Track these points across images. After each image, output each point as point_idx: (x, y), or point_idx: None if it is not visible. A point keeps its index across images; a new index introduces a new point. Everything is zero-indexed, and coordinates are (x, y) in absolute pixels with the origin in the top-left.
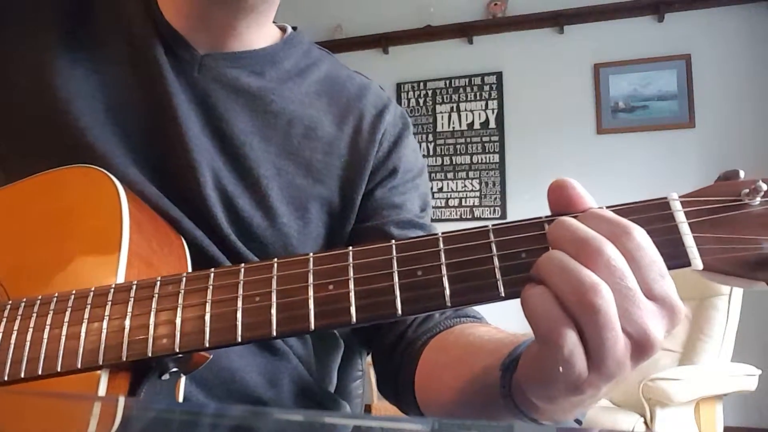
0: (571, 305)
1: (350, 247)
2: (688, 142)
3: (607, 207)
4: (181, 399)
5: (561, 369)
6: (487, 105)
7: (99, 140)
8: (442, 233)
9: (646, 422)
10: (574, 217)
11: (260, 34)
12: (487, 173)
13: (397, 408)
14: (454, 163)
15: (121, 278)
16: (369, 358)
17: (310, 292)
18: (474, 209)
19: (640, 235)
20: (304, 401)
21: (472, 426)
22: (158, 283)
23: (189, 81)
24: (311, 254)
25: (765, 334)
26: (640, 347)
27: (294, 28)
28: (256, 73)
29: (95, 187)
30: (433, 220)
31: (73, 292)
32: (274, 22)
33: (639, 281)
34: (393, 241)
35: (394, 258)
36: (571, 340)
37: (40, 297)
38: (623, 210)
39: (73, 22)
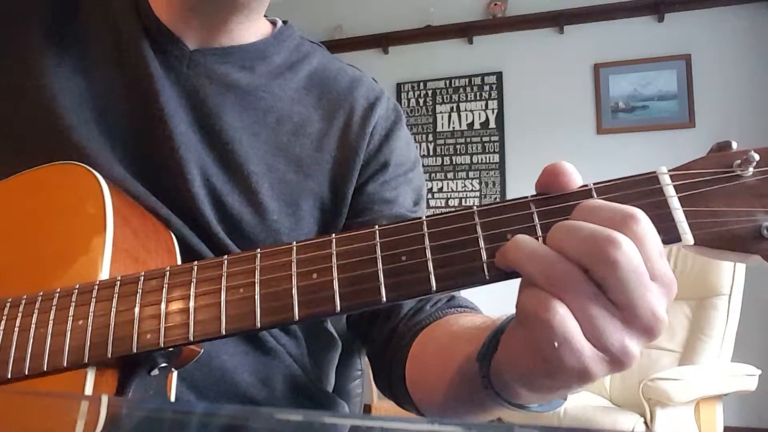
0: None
1: (333, 235)
2: (688, 142)
3: (594, 183)
4: (173, 395)
5: (556, 344)
6: (487, 105)
7: (85, 139)
8: (426, 217)
9: (646, 422)
10: (568, 216)
11: (251, 29)
12: (487, 173)
13: (395, 402)
14: (454, 163)
15: (105, 274)
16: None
17: (294, 281)
18: None
19: (645, 220)
20: (299, 400)
21: (473, 426)
22: (142, 278)
23: (178, 77)
24: (294, 243)
25: (765, 334)
26: (650, 329)
27: (284, 22)
28: (246, 69)
29: (78, 184)
30: None
31: (58, 290)
32: (265, 15)
33: (646, 265)
34: (377, 226)
35: (378, 244)
36: (560, 310)
37: (25, 296)
38: (611, 186)
39: (60, 20)
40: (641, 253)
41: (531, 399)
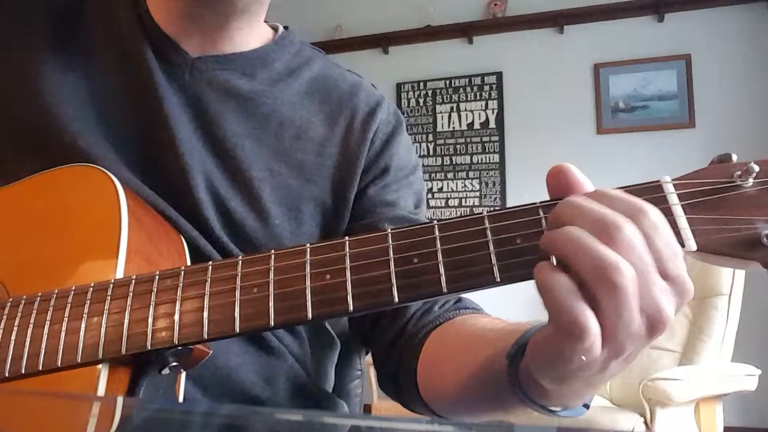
0: (591, 283)
1: (347, 237)
2: (688, 142)
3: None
4: (181, 395)
5: (584, 358)
6: (487, 105)
7: (90, 145)
8: (438, 221)
9: (646, 422)
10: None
11: (252, 34)
12: (487, 173)
13: (400, 404)
14: (454, 163)
15: (120, 274)
16: (368, 358)
17: (307, 282)
18: (474, 209)
19: (655, 214)
20: (301, 400)
21: (472, 426)
22: (157, 277)
23: (180, 84)
24: (308, 245)
25: (765, 334)
26: (654, 326)
27: (285, 28)
28: (247, 75)
29: (94, 185)
30: None
31: (73, 288)
32: (266, 21)
33: (655, 260)
34: (389, 229)
35: (390, 246)
36: (594, 330)
37: (40, 294)
38: None
39: (63, 26)
40: (650, 244)
41: (556, 396)
